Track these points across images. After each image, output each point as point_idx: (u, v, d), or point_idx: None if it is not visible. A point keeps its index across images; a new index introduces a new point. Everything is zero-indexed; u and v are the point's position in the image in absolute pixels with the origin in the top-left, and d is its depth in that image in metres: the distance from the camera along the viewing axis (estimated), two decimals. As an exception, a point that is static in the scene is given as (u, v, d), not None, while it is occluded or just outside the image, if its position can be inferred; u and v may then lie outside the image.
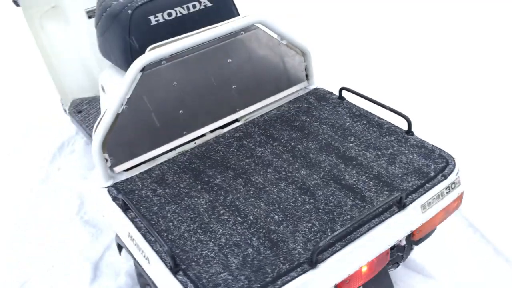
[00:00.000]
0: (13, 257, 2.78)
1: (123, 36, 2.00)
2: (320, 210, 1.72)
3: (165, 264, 1.60)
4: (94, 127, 1.97)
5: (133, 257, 1.86)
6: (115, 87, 2.13)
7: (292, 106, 2.31)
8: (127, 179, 2.00)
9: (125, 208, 1.83)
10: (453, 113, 3.54)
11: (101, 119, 1.92)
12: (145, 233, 1.72)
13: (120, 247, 2.09)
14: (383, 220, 1.66)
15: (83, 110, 3.13)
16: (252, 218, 1.73)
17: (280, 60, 2.28)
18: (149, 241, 1.69)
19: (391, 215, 1.68)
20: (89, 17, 3.08)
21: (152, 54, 1.85)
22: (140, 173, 2.02)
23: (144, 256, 1.70)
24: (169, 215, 1.79)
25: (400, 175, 1.82)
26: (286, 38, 2.24)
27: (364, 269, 1.67)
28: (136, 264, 1.88)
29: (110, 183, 1.99)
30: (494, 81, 3.90)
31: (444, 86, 3.87)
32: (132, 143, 2.02)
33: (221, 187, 1.88)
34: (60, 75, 3.19)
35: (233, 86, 2.20)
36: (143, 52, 2.01)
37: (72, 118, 3.15)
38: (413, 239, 1.83)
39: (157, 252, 1.65)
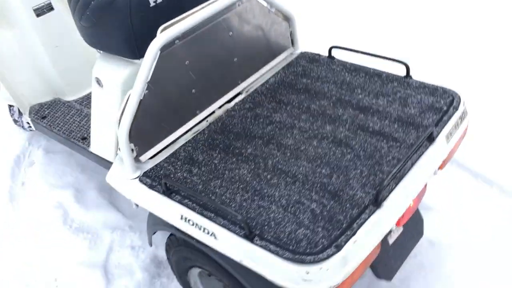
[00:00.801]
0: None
1: (124, 22, 1.92)
2: (361, 157, 1.82)
3: (237, 234, 1.62)
4: (117, 119, 1.89)
5: (184, 240, 1.84)
6: (115, 78, 2.05)
7: (288, 71, 2.38)
8: (155, 166, 1.95)
9: (169, 193, 1.80)
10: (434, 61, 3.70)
11: (124, 109, 1.85)
12: (202, 211, 1.71)
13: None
14: (420, 155, 1.81)
15: (47, 115, 2.93)
16: (301, 177, 1.79)
17: (271, 28, 2.33)
18: (210, 218, 1.69)
19: (426, 149, 1.83)
20: (38, 15, 2.88)
21: (168, 33, 1.81)
22: (165, 158, 1.99)
23: (209, 233, 1.69)
24: (217, 190, 1.79)
25: (417, 114, 1.98)
26: (273, 5, 2.29)
27: (411, 203, 1.81)
28: (192, 244, 1.86)
29: (138, 173, 1.93)
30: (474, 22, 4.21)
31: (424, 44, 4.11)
32: (153, 129, 1.97)
33: (256, 156, 1.91)
34: (13, 83, 2.94)
35: (235, 59, 2.21)
36: (147, 35, 1.96)
37: (37, 125, 2.94)
38: (439, 169, 2.00)
39: (224, 225, 1.65)
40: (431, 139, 1.85)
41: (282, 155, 1.89)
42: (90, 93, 3.05)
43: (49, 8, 2.87)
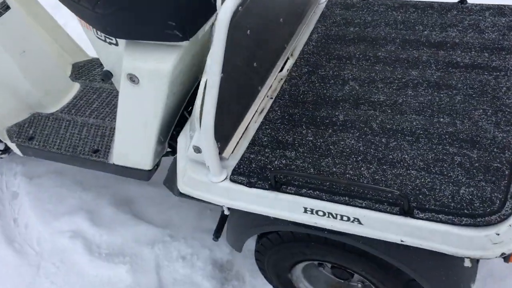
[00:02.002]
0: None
1: None
2: (473, 96, 1.66)
3: (390, 212, 1.40)
4: (196, 116, 1.55)
5: (295, 235, 1.61)
6: (160, 69, 1.69)
7: (327, 24, 2.13)
8: (241, 160, 1.65)
9: (278, 186, 1.52)
10: None
11: (203, 100, 1.51)
12: (332, 198, 1.47)
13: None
14: None
15: (35, 135, 2.44)
16: (421, 132, 1.59)
17: None
18: (346, 203, 1.45)
19: None
20: None
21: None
22: (247, 149, 1.69)
23: (349, 220, 1.46)
24: (334, 169, 1.55)
25: (500, 37, 1.84)
26: None
27: None
28: (311, 238, 1.62)
29: (225, 173, 1.63)
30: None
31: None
32: (226, 118, 1.66)
33: (353, 121, 1.68)
34: None
35: (281, 19, 1.92)
36: (193, 10, 1.61)
37: (25, 150, 2.45)
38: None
39: (368, 207, 1.42)
40: None
41: (383, 114, 1.67)
42: (75, 99, 2.60)
43: (5, 7, 2.34)
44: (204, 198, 1.68)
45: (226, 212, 1.71)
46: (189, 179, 1.70)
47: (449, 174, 1.45)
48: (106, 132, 2.35)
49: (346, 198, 1.46)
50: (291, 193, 1.52)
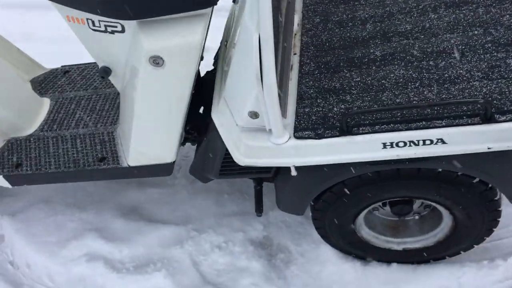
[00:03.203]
0: None
1: None
2: (493, 5, 1.72)
3: (472, 123, 1.43)
4: (257, 77, 1.45)
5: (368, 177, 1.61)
6: (189, 43, 1.57)
7: None
8: (297, 116, 1.60)
9: (349, 131, 1.49)
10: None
11: (261, 61, 1.41)
12: (409, 126, 1.47)
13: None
14: None
15: (22, 161, 2.17)
16: (463, 47, 1.63)
17: None
18: (424, 127, 1.46)
19: None
20: None
21: None
22: (297, 104, 1.64)
23: (433, 142, 1.46)
24: (398, 100, 1.54)
25: None
26: None
27: None
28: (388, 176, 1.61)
29: (288, 133, 1.56)
30: None
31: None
32: None
33: (392, 54, 1.68)
34: None
35: None
36: None
37: (15, 179, 2.18)
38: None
39: (451, 124, 1.44)
40: None
41: (417, 40, 1.69)
42: (51, 114, 2.35)
43: None
44: (272, 163, 1.60)
45: (294, 173, 1.64)
46: (249, 149, 1.60)
47: (510, 76, 1.50)
48: (105, 138, 2.16)
49: (424, 122, 1.46)
50: (367, 133, 1.49)
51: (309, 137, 1.53)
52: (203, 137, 1.91)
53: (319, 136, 1.52)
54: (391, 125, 1.48)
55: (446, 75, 1.56)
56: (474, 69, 1.55)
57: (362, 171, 1.61)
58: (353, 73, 1.66)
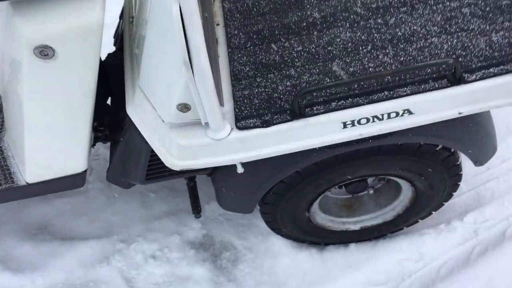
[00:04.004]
0: None
1: None
2: None
3: (441, 87, 1.24)
4: (184, 61, 1.13)
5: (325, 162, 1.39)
6: (84, 20, 1.21)
7: None
8: (236, 101, 1.32)
9: (302, 113, 1.25)
10: None
11: (187, 45, 1.09)
12: (371, 99, 1.26)
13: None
14: None
15: None
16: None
17: None
18: (388, 97, 1.25)
19: None
20: None
21: None
22: (233, 86, 1.36)
23: (398, 114, 1.27)
24: (351, 69, 1.32)
25: None
26: None
27: None
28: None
29: (229, 124, 1.28)
30: None
31: None
32: None
33: (332, 14, 1.44)
34: None
35: None
36: None
37: None
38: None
39: (416, 91, 1.25)
40: None
41: None
42: None
43: None
44: (213, 163, 1.31)
45: (240, 170, 1.36)
46: (182, 149, 1.30)
47: (471, 27, 1.32)
48: None
49: (386, 93, 1.26)
50: (322, 113, 1.25)
51: (255, 126, 1.26)
52: (118, 136, 1.57)
53: (266, 123, 1.26)
54: (350, 100, 1.26)
55: (399, 33, 1.36)
56: (429, 24, 1.36)
57: (320, 157, 1.38)
58: (292, 41, 1.40)
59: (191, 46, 1.08)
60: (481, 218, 1.91)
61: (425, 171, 1.53)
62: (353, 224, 1.80)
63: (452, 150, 1.49)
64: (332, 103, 1.26)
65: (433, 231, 1.88)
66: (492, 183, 1.97)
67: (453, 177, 1.59)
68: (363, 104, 1.25)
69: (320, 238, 1.82)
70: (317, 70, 1.32)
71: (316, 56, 1.35)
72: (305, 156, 1.36)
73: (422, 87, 1.25)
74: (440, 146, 1.45)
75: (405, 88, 1.25)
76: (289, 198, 1.55)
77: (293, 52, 1.38)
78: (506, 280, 1.76)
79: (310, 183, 1.50)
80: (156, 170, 1.49)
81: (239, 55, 1.40)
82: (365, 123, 1.27)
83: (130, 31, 1.56)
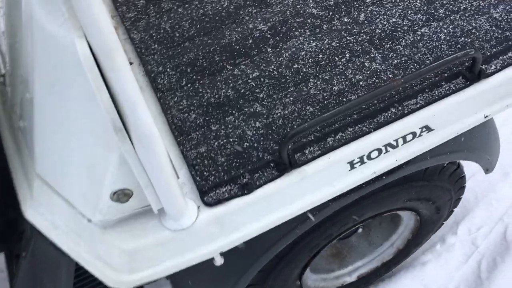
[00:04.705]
0: None
1: None
2: None
3: (458, 89, 0.94)
4: (114, 126, 0.69)
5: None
6: None
7: None
8: (193, 168, 0.91)
9: (294, 163, 0.88)
10: None
11: (113, 99, 0.67)
12: (378, 120, 0.92)
13: None
14: None
15: None
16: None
17: None
18: (399, 116, 0.92)
19: None
20: None
21: None
22: (178, 143, 0.94)
23: (416, 135, 0.95)
24: (335, 87, 0.97)
25: None
26: None
27: None
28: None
29: (191, 201, 0.87)
30: None
31: None
32: None
33: (278, 24, 1.09)
34: None
35: None
36: None
37: None
38: None
39: (431, 100, 0.93)
40: None
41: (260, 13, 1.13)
42: None
43: None
44: (181, 264, 0.88)
45: (219, 262, 0.93)
46: (129, 257, 0.85)
47: (462, 7, 1.05)
48: None
49: (394, 110, 0.93)
50: (319, 155, 0.88)
51: (231, 196, 0.86)
52: (17, 248, 1.07)
53: (248, 188, 0.86)
54: (350, 129, 0.90)
55: (378, 30, 1.04)
56: (409, 12, 1.06)
57: (324, 214, 1.00)
58: (242, 66, 1.02)
59: (122, 101, 0.66)
60: (474, 226, 1.67)
61: (434, 195, 1.23)
62: (348, 275, 1.45)
63: (458, 162, 1.20)
64: (328, 139, 0.90)
65: (431, 255, 1.60)
66: (472, 183, 1.73)
67: (458, 191, 1.31)
68: (369, 132, 0.90)
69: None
70: (291, 98, 0.96)
71: (283, 80, 0.99)
72: (304, 219, 0.97)
73: (436, 93, 0.94)
74: (447, 162, 1.16)
75: (416, 99, 0.93)
76: (279, 271, 1.16)
77: (249, 81, 1.00)
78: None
79: (305, 246, 1.12)
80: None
81: (176, 100, 0.99)
82: (376, 156, 0.92)
83: (2, 96, 1.08)
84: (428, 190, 1.20)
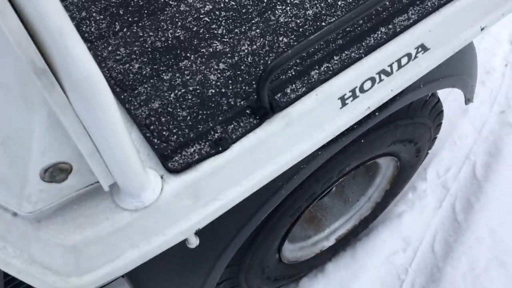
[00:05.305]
0: None
1: None
2: None
3: None
4: (34, 68, 0.47)
5: None
6: None
7: None
8: (148, 128, 0.70)
9: (275, 105, 0.69)
10: None
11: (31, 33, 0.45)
12: (368, 42, 0.75)
13: None
14: None
15: None
16: None
17: None
18: (393, 35, 0.76)
19: None
20: None
21: None
22: (126, 101, 0.73)
23: (412, 56, 0.79)
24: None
25: None
26: None
27: None
28: None
29: (153, 170, 0.66)
30: None
31: None
32: None
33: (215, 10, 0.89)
34: None
35: None
36: None
37: None
38: None
39: (426, 12, 0.78)
40: None
41: None
42: None
43: None
44: (146, 254, 0.67)
45: (194, 243, 0.73)
46: (76, 254, 0.63)
47: None
48: None
49: (385, 29, 0.76)
50: (305, 93, 0.71)
51: (203, 156, 0.66)
52: None
53: (222, 144, 0.67)
54: (336, 58, 0.73)
55: None
56: None
57: (311, 168, 0.83)
58: (190, 0, 0.81)
59: (40, 28, 0.45)
60: (442, 169, 1.58)
61: (417, 134, 1.10)
62: (326, 239, 1.30)
63: (438, 96, 1.08)
64: (312, 73, 0.72)
65: (405, 206, 1.49)
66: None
67: (436, 128, 1.19)
68: (360, 58, 0.74)
69: (292, 278, 1.29)
70: (258, 31, 0.77)
71: (243, 11, 0.80)
72: (289, 173, 0.80)
73: (429, 4, 0.78)
74: (430, 94, 1.02)
75: (407, 13, 0.78)
76: (258, 245, 0.98)
77: (201, 16, 0.80)
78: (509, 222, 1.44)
79: (287, 210, 0.95)
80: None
81: (110, 49, 0.77)
82: (370, 87, 0.76)
83: None
84: (412, 129, 1.06)
